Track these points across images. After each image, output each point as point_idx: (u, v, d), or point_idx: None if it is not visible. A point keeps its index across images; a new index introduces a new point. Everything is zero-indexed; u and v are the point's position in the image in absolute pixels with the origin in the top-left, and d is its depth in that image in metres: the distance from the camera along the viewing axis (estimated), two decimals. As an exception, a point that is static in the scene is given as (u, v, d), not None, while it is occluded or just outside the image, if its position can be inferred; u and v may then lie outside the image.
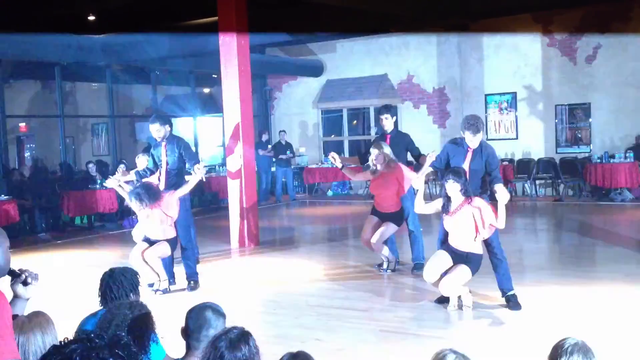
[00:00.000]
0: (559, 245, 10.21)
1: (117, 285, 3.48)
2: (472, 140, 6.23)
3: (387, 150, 7.62)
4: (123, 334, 2.60)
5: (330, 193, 17.64)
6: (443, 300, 6.30)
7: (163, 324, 3.70)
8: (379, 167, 7.61)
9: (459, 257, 6.05)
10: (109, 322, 2.73)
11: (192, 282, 7.61)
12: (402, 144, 7.94)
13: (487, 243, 6.19)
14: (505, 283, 6.19)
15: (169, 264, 7.62)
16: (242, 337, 2.59)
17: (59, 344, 1.97)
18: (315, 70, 18.34)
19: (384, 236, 7.70)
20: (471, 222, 5.97)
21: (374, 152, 7.63)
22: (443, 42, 16.49)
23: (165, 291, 7.40)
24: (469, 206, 5.95)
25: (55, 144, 15.37)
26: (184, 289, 7.52)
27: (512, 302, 6.11)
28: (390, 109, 8.14)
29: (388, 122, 7.98)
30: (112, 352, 1.84)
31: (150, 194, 7.14)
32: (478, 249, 6.07)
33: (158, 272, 7.41)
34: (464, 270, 6.00)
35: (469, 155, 6.25)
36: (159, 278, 7.43)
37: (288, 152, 16.88)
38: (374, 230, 7.74)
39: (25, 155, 15.85)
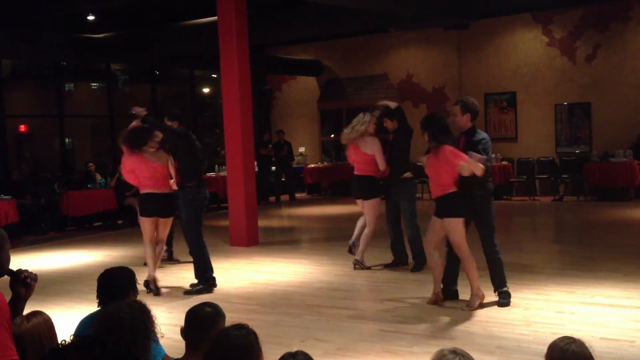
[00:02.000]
0: (558, 244, 10.20)
1: (115, 285, 3.48)
2: (451, 113, 6.24)
3: (363, 127, 7.89)
4: (123, 338, 2.61)
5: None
6: (447, 298, 6.34)
7: (163, 323, 3.71)
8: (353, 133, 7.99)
9: (438, 208, 6.13)
10: (108, 323, 2.72)
11: (198, 285, 7.41)
12: (405, 140, 7.99)
13: (481, 241, 6.22)
14: (497, 280, 6.21)
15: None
16: (248, 333, 2.59)
17: (57, 346, 1.97)
18: (315, 69, 18.34)
19: (368, 223, 7.99)
20: (441, 167, 6.01)
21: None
22: (443, 42, 16.50)
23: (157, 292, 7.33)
24: (439, 153, 6.01)
25: (54, 143, 15.37)
26: (185, 289, 7.50)
27: (500, 298, 6.14)
28: (390, 113, 8.05)
29: (388, 124, 8.04)
30: None
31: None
32: (450, 188, 6.02)
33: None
34: (438, 223, 6.12)
35: (463, 140, 6.23)
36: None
37: (288, 151, 16.89)
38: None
39: (25, 155, 15.85)
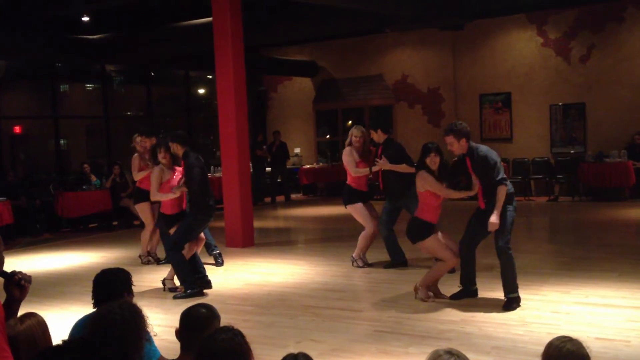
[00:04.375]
0: (553, 244, 10.23)
1: (110, 286, 3.47)
2: (447, 144, 6.25)
3: (348, 139, 8.24)
4: (115, 339, 2.60)
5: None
6: (467, 297, 6.46)
7: (158, 325, 3.70)
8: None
9: None
10: (99, 325, 2.72)
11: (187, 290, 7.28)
12: (397, 151, 8.06)
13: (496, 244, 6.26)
14: (504, 285, 6.21)
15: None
16: (234, 335, 2.58)
17: (47, 349, 1.96)
18: (310, 70, 18.34)
19: (364, 225, 8.25)
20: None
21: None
22: (438, 43, 16.51)
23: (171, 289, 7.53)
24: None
25: (49, 144, 15.34)
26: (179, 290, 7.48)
27: (504, 304, 6.16)
28: (374, 124, 8.30)
29: (374, 136, 8.18)
30: None
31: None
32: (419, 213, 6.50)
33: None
34: None
35: (468, 162, 6.26)
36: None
37: (283, 152, 16.88)
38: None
39: (20, 156, 15.82)
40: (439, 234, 6.50)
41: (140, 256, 9.34)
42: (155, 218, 8.94)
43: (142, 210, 9.24)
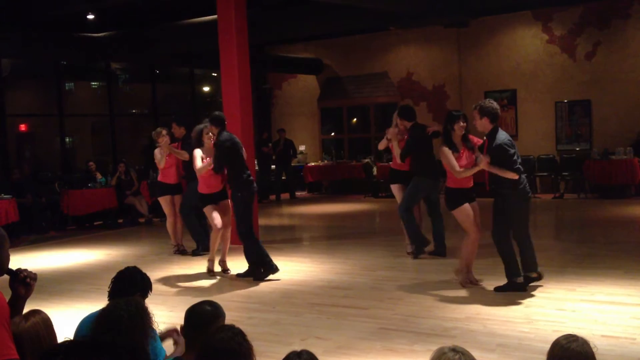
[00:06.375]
0: (558, 242, 10.20)
1: (132, 284, 3.50)
2: (471, 118, 6.52)
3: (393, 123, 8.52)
4: (120, 336, 2.61)
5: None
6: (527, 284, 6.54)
7: (163, 322, 3.71)
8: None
9: None
10: (105, 321, 2.72)
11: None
12: (415, 138, 8.31)
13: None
14: (523, 265, 6.52)
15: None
16: (234, 335, 2.59)
17: (51, 349, 1.96)
18: (315, 68, 18.33)
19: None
20: None
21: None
22: (443, 40, 16.48)
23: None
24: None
25: (55, 142, 15.38)
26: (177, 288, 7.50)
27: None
28: (399, 113, 8.48)
29: (402, 124, 8.43)
30: None
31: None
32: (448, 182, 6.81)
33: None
34: None
35: (486, 144, 6.43)
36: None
37: (288, 150, 16.88)
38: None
39: (25, 154, 15.87)
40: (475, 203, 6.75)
41: (174, 247, 9.74)
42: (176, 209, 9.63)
43: (164, 203, 9.73)
